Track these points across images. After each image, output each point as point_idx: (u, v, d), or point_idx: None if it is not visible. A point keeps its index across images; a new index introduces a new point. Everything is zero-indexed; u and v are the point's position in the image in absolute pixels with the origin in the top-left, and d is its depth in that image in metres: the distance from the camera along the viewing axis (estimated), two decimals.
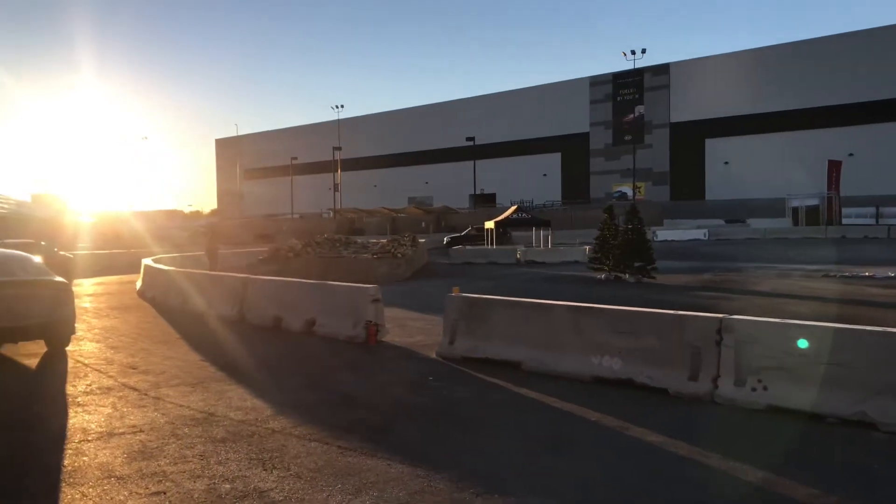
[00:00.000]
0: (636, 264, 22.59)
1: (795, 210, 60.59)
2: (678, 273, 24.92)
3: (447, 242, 45.72)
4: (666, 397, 7.06)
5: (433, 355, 9.45)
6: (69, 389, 7.64)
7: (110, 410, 6.69)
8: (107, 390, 7.56)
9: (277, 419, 6.33)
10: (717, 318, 7.02)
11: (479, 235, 43.20)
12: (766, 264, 28.60)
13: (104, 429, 6.04)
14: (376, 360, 9.41)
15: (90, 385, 7.82)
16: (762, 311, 14.30)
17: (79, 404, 6.95)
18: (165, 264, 20.32)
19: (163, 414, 6.53)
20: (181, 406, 6.82)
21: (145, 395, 7.34)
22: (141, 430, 5.96)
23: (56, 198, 71.28)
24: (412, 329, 11.99)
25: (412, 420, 6.38)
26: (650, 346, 7.42)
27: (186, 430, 5.99)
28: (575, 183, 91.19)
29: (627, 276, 22.68)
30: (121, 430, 5.98)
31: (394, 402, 7.10)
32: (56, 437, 5.87)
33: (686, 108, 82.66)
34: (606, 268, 23.45)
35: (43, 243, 25.71)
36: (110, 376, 8.32)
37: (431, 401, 7.09)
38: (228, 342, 10.81)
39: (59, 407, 6.91)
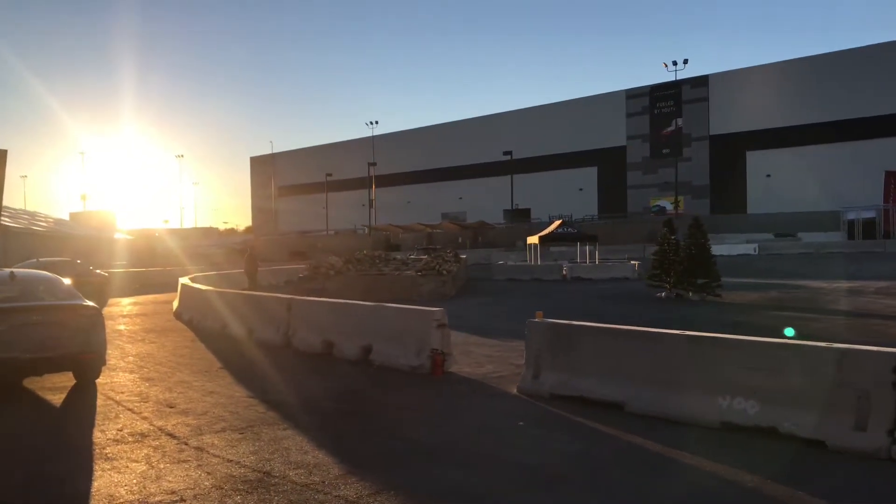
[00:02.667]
0: (700, 281, 21.07)
1: (851, 223, 57.96)
2: (741, 290, 23.31)
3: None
4: (824, 452, 5.65)
5: (513, 391, 8.13)
6: (96, 436, 6.48)
7: (144, 467, 5.49)
8: (140, 437, 6.39)
9: (349, 482, 5.07)
10: (891, 352, 5.61)
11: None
12: (829, 280, 26.81)
13: (136, 495, 4.84)
14: (448, 397, 8.12)
15: (121, 430, 6.66)
16: (861, 335, 12.77)
17: (107, 457, 5.77)
18: (202, 283, 19.37)
19: (208, 473, 5.32)
20: (229, 461, 5.60)
21: (185, 444, 6.14)
22: (182, 499, 4.74)
23: (106, 213, 71.46)
24: (478, 357, 10.70)
25: (518, 485, 5.06)
26: (797, 387, 6.03)
27: (238, 498, 4.75)
28: (612, 197, 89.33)
29: (690, 293, 21.16)
30: (156, 498, 4.77)
31: (486, 456, 5.78)
32: None
33: (726, 120, 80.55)
34: (667, 285, 21.96)
35: (79, 262, 25.08)
36: (144, 417, 7.16)
37: (533, 456, 5.76)
38: (276, 373, 9.63)
39: (82, 460, 5.73)
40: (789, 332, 16.43)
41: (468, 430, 6.60)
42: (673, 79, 79.44)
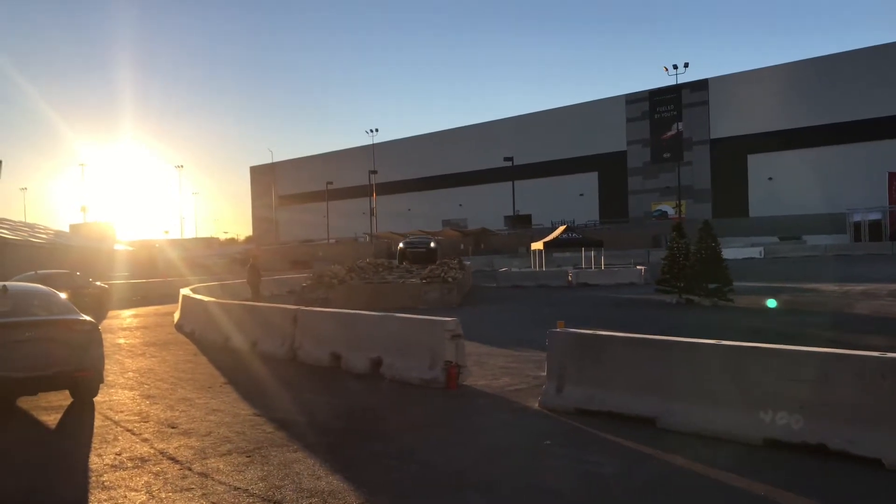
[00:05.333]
0: (711, 286, 20.62)
1: (857, 225, 57.51)
2: (751, 294, 22.84)
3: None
4: (881, 471, 5.21)
5: (534, 405, 7.68)
6: (93, 461, 6.03)
7: (144, 497, 5.05)
8: (140, 462, 5.94)
9: None
10: None
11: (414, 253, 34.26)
12: (839, 283, 26.32)
13: None
14: (467, 413, 7.67)
15: (119, 454, 6.22)
16: (890, 341, 12.30)
17: (104, 486, 5.32)
18: (204, 294, 18.94)
19: (213, 503, 4.88)
20: (236, 489, 5.16)
21: (189, 469, 5.70)
22: None
23: (107, 225, 70.92)
24: (493, 368, 10.25)
25: None
26: (848, 400, 5.58)
27: None
28: (613, 202, 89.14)
29: (702, 298, 20.70)
30: None
31: (513, 481, 5.33)
32: None
33: (726, 123, 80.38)
34: (677, 290, 21.50)
35: (78, 274, 24.67)
36: (145, 439, 6.72)
37: (564, 479, 5.31)
38: (282, 389, 9.18)
39: (77, 490, 5.28)
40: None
41: (491, 451, 6.15)
42: (673, 83, 79.22)
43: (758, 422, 6.00)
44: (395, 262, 31.77)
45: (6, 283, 8.83)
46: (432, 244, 33.62)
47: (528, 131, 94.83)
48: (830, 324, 15.11)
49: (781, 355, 6.08)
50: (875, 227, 56.07)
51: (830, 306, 19.14)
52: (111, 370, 10.64)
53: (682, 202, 77.21)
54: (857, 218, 57.88)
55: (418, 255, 31.97)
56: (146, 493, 5.15)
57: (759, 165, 78.07)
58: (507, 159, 77.59)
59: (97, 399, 8.50)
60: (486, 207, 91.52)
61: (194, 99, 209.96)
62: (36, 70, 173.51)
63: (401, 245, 33.76)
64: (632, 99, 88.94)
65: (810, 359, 5.90)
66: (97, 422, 7.53)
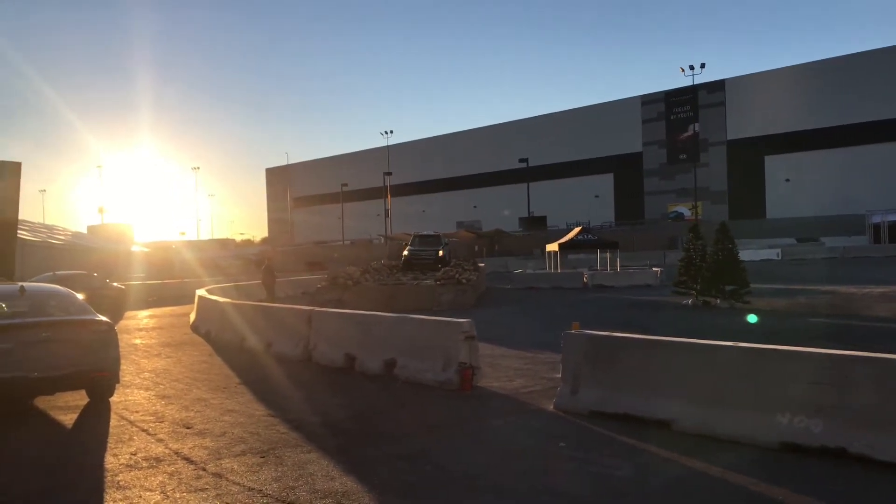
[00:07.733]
0: (728, 288, 20.43)
1: (876, 227, 56.84)
2: (768, 296, 22.60)
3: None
4: None
5: (549, 407, 7.63)
6: (108, 461, 6.06)
7: (158, 497, 5.06)
8: (155, 462, 5.96)
9: None
10: None
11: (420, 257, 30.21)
12: (858, 286, 25.93)
13: None
14: (481, 415, 7.63)
15: (135, 454, 6.24)
16: None
17: (119, 486, 5.34)
18: (219, 295, 19.03)
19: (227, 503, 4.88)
20: (250, 490, 5.16)
21: (203, 469, 5.71)
22: None
23: (125, 226, 71.48)
24: (507, 370, 10.20)
25: None
26: (868, 403, 5.50)
27: None
28: (628, 204, 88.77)
29: (718, 301, 20.52)
30: None
31: (527, 484, 5.28)
32: None
33: (743, 124, 79.85)
34: (694, 292, 21.34)
35: (95, 274, 24.89)
36: (160, 439, 6.74)
37: (578, 483, 5.26)
38: (296, 389, 9.20)
39: (93, 490, 5.30)
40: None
41: (505, 453, 6.11)
42: (689, 83, 78.69)
43: (775, 424, 5.92)
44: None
45: (24, 284, 8.92)
46: (441, 251, 29.72)
47: (544, 133, 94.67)
48: (849, 326, 14.94)
49: (800, 358, 6.00)
50: (894, 228, 55.38)
51: (849, 309, 18.90)
52: (127, 370, 10.71)
53: (699, 203, 76.67)
54: (876, 219, 57.23)
55: (426, 264, 28.50)
56: (161, 492, 5.16)
57: (776, 167, 77.47)
58: (521, 161, 77.52)
59: (113, 399, 8.56)
60: (501, 209, 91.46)
61: (210, 101, 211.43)
62: (54, 74, 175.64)
63: (405, 252, 30.08)
64: (648, 100, 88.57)
65: (829, 361, 5.81)
66: (113, 421, 7.58)
